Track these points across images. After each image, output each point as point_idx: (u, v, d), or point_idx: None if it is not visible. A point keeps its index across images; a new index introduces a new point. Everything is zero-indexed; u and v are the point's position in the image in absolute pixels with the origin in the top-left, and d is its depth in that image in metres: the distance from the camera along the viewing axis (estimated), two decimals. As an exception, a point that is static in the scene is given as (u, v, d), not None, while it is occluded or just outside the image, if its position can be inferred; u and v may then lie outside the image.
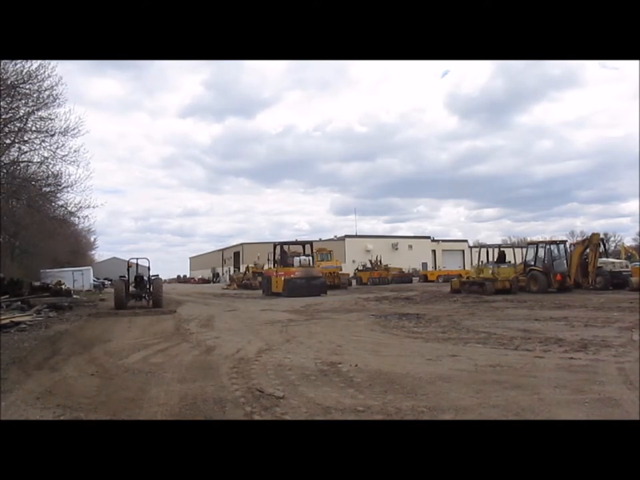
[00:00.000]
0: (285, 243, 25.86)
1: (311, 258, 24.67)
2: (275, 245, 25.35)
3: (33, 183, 16.72)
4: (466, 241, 68.97)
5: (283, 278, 22.87)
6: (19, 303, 15.65)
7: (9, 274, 20.74)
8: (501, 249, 22.87)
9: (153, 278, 17.36)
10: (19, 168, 16.53)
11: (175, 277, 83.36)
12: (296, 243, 26.59)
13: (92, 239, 56.49)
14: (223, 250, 74.50)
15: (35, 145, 15.98)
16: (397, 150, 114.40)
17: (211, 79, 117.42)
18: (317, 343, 7.91)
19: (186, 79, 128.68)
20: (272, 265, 25.58)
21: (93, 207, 18.96)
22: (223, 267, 72.34)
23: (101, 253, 77.03)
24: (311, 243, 26.11)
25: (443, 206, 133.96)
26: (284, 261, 24.26)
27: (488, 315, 12.03)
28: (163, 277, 45.31)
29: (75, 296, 23.92)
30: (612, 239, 64.31)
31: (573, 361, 5.91)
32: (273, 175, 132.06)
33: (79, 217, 21.08)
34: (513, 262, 22.18)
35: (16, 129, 15.21)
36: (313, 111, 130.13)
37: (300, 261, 24.05)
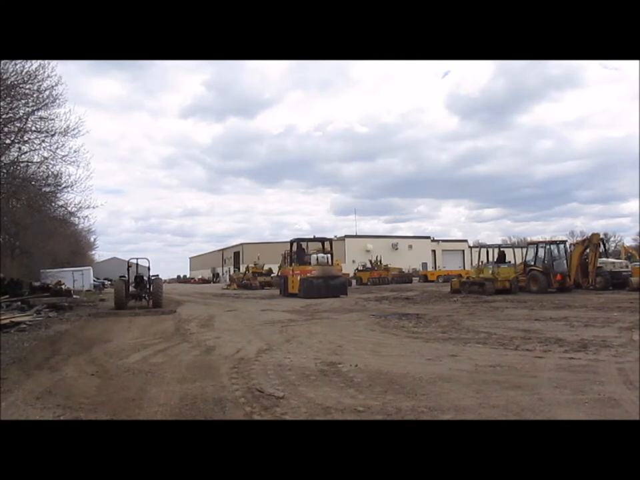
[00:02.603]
0: (302, 240, 24.13)
1: (329, 256, 22.66)
2: (291, 241, 23.75)
3: (33, 182, 16.68)
4: (466, 241, 68.99)
5: (298, 277, 21.43)
6: (19, 303, 15.64)
7: (9, 274, 20.72)
8: (501, 249, 22.90)
9: (153, 278, 17.36)
10: (18, 168, 16.49)
11: (175, 277, 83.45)
12: (314, 239, 24.43)
13: (92, 239, 56.47)
14: (223, 250, 74.50)
15: (35, 145, 15.95)
16: (398, 150, 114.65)
17: (211, 79, 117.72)
18: (317, 343, 7.91)
19: (187, 79, 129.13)
20: (288, 264, 24.17)
21: (93, 207, 18.88)
22: (222, 267, 72.33)
23: (101, 253, 77.15)
24: (330, 240, 24.22)
25: (443, 206, 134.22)
26: (300, 258, 22.65)
27: (488, 315, 12.03)
28: (163, 277, 45.41)
29: (74, 296, 23.92)
30: (612, 239, 64.46)
31: (573, 360, 5.91)
32: (273, 175, 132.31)
33: (79, 217, 21.05)
34: (513, 262, 22.20)
35: (16, 129, 15.18)
36: (314, 111, 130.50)
37: (317, 259, 22.05)
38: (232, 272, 58.47)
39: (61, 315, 14.11)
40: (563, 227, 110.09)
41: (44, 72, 14.67)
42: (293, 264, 23.04)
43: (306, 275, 21.27)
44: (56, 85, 15.25)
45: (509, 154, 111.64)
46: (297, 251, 23.19)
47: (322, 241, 24.02)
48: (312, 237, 24.83)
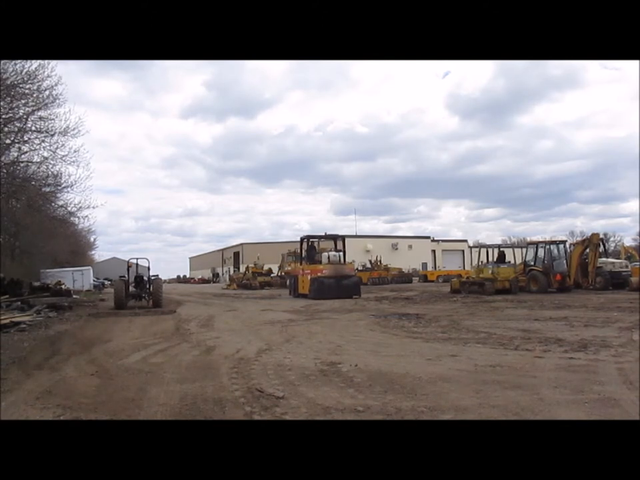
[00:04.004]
0: (313, 237, 23.04)
1: (341, 254, 21.52)
2: (301, 239, 22.40)
3: (33, 183, 16.70)
4: (466, 241, 68.91)
5: (309, 277, 20.33)
6: (19, 303, 15.63)
7: (9, 274, 20.71)
8: (501, 249, 22.90)
9: (152, 278, 17.36)
10: (19, 168, 16.51)
11: (175, 277, 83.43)
12: (325, 237, 23.28)
13: (92, 239, 56.37)
14: (222, 250, 74.54)
15: (34, 145, 15.98)
16: (398, 150, 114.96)
17: (212, 80, 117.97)
18: (316, 343, 7.90)
19: (187, 79, 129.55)
20: (298, 262, 23.24)
21: (93, 207, 18.94)
22: (222, 267, 72.35)
23: (101, 253, 77.24)
24: (343, 237, 23.04)
25: (443, 206, 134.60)
26: (311, 257, 21.64)
27: (488, 315, 12.03)
28: (163, 277, 45.48)
29: (74, 296, 23.92)
30: (612, 239, 64.51)
31: (573, 360, 5.91)
32: (273, 175, 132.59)
33: (79, 217, 21.10)
34: (512, 262, 22.20)
35: (16, 129, 15.19)
36: (314, 111, 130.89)
37: (329, 257, 20.95)
38: (232, 272, 58.50)
39: (60, 315, 14.10)
40: (563, 227, 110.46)
41: (44, 72, 14.73)
42: (303, 263, 21.88)
43: (317, 274, 20.22)
44: (56, 84, 15.31)
45: (509, 154, 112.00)
46: (308, 249, 22.18)
47: (334, 238, 22.80)
48: (323, 234, 23.75)
